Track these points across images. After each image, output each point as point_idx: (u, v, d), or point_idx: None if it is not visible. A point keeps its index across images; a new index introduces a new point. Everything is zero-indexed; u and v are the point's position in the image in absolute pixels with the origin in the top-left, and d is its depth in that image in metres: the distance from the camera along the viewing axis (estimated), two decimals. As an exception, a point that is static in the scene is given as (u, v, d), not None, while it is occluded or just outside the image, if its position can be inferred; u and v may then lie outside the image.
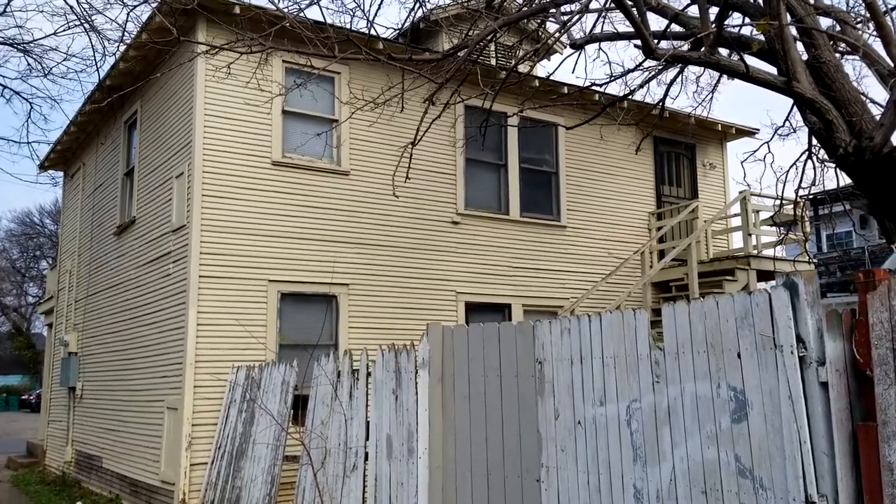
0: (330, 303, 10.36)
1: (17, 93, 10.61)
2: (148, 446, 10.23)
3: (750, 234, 12.04)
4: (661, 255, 13.05)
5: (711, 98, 11.68)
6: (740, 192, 12.18)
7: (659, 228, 13.50)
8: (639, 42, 6.11)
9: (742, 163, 11.36)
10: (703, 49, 5.43)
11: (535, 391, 5.18)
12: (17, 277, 51.76)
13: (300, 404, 7.56)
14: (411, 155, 8.43)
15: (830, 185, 10.92)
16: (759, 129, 14.72)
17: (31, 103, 10.87)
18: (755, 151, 11.22)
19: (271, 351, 9.48)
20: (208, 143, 9.74)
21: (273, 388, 7.97)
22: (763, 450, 3.71)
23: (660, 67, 9.77)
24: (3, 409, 42.94)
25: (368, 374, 6.46)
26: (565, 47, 14.01)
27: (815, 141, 10.38)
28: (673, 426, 4.15)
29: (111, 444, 11.68)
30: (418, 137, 8.17)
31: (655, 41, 5.78)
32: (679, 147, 14.42)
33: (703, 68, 12.70)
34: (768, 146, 11.04)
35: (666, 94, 10.60)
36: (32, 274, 51.40)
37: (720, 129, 14.27)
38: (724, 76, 11.81)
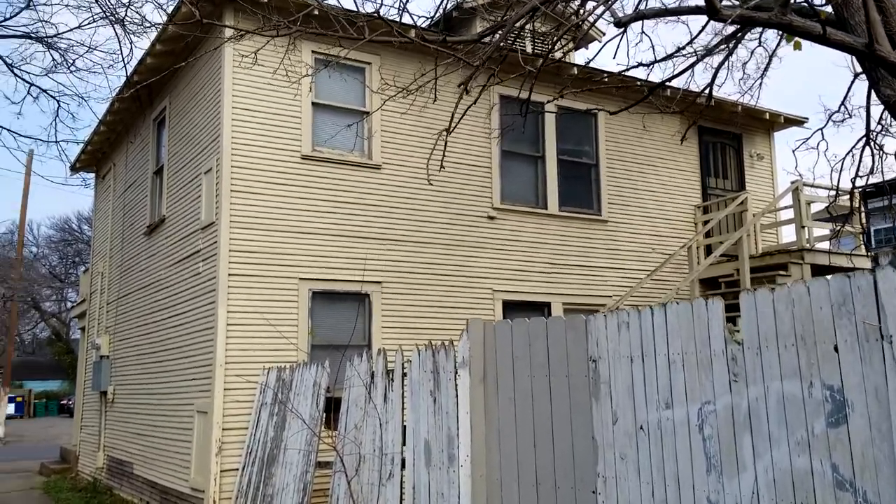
0: (363, 301, 9.96)
1: (44, 90, 10.39)
2: (178, 452, 9.92)
3: (803, 227, 11.37)
4: (708, 250, 12.44)
5: (760, 84, 11.06)
6: (792, 183, 11.52)
7: (705, 223, 12.88)
8: (687, 18, 5.60)
9: (794, 151, 10.65)
10: (773, 10, 4.90)
11: (588, 393, 4.69)
12: (56, 283, 52.41)
13: (333, 407, 7.15)
14: (446, 142, 7.98)
15: (889, 174, 10.23)
16: (807, 119, 14.03)
17: (58, 101, 10.64)
18: (808, 139, 10.60)
19: (303, 351, 9.11)
20: (237, 137, 9.41)
21: (304, 390, 7.58)
22: (867, 458, 3.19)
23: (709, 47, 9.22)
24: (44, 415, 43.45)
25: (404, 375, 6.02)
26: (603, 34, 13.49)
27: (873, 126, 9.75)
28: (755, 431, 3.63)
29: (142, 449, 11.42)
30: (453, 124, 7.72)
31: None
32: (725, 137, 13.78)
33: (750, 54, 12.13)
34: (822, 133, 10.42)
35: (714, 79, 10.01)
36: (71, 280, 52.00)
37: (768, 117, 13.59)
38: (775, 57, 11.19)
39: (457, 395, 5.34)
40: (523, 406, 5.09)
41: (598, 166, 12.23)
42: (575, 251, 11.73)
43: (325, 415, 7.23)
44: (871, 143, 9.87)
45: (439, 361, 5.58)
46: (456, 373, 5.37)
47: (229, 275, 9.10)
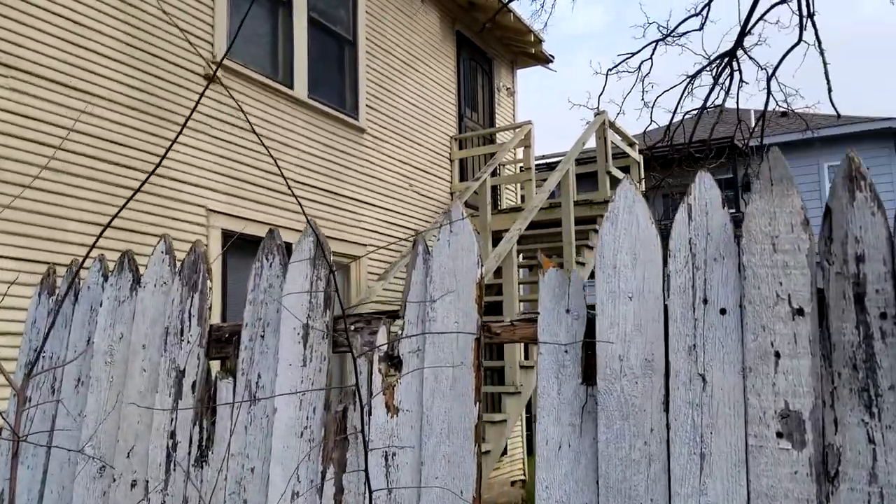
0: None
1: None
2: None
3: (608, 173, 8.79)
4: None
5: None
6: (596, 115, 8.85)
7: (461, 160, 9.60)
8: None
9: (608, 73, 7.85)
10: None
11: None
12: None
13: None
14: None
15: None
16: (554, 58, 11.74)
17: None
18: (635, 54, 7.94)
19: None
20: None
21: None
22: None
23: None
24: None
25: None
26: None
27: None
28: None
29: None
30: None
31: None
32: (480, 59, 10.69)
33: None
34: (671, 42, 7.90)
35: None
36: None
37: (532, 39, 10.77)
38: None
39: None
40: None
41: (357, 46, 7.98)
42: (327, 166, 7.32)
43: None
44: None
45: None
46: None
47: None
